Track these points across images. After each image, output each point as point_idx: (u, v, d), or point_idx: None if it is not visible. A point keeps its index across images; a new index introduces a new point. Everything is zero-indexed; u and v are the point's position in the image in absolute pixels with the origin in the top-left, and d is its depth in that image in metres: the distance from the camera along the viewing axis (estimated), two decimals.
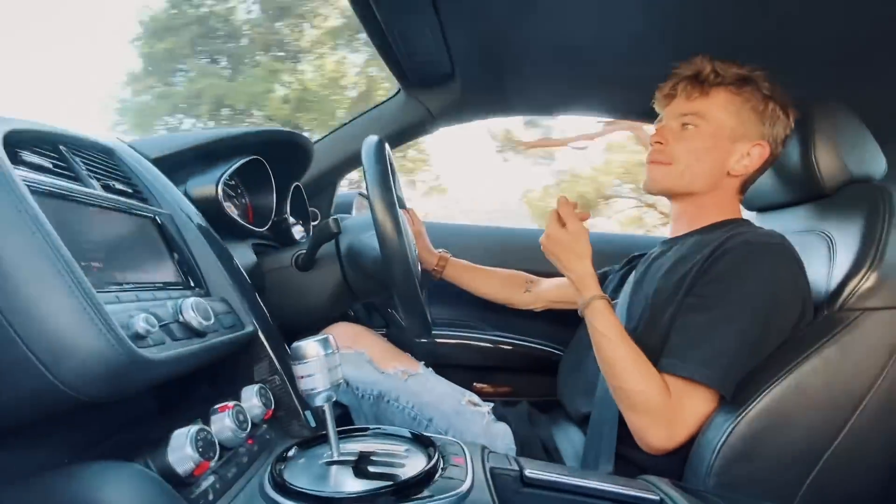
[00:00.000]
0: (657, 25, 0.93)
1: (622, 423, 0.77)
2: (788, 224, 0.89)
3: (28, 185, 0.37)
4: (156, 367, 0.39)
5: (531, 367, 1.35)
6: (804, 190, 0.86)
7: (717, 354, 0.67)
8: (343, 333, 0.95)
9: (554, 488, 0.51)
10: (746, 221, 0.85)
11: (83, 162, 0.53)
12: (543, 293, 1.13)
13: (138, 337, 0.39)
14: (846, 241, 0.76)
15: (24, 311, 0.33)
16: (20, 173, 0.38)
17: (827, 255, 0.79)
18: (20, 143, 0.44)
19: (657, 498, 0.51)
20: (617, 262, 1.07)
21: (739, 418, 0.65)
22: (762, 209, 1.02)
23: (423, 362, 0.96)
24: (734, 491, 0.64)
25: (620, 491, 0.52)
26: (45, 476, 0.34)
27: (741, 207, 0.89)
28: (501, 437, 0.89)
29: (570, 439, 0.90)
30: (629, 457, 0.75)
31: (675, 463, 0.71)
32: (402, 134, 1.26)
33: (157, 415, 0.45)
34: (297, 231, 1.10)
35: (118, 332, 0.36)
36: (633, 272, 0.93)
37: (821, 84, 1.00)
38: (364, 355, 0.89)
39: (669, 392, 0.69)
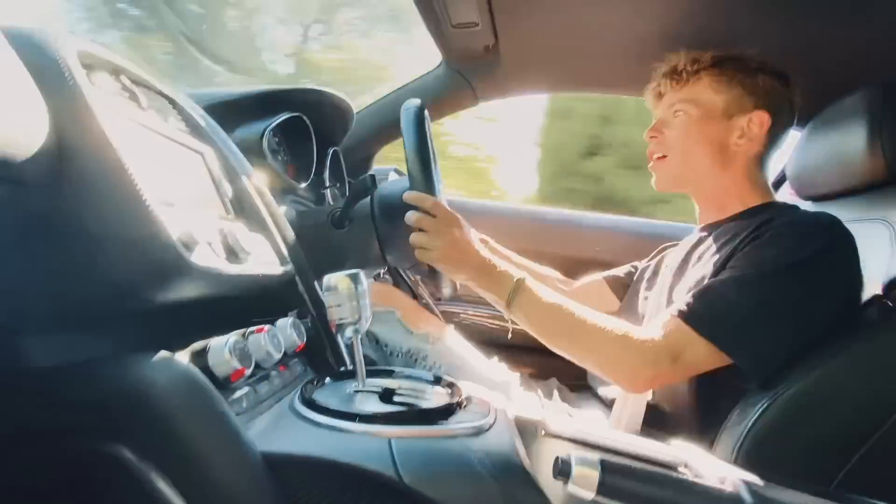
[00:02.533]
0: (718, 12, 0.90)
1: (651, 405, 0.76)
2: (848, 212, 0.84)
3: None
4: (199, 276, 0.41)
5: None
6: (867, 176, 0.80)
7: (727, 313, 0.64)
8: (375, 292, 0.97)
9: (575, 441, 0.50)
10: (790, 205, 0.82)
11: (142, 94, 0.56)
12: (571, 297, 1.10)
13: (186, 246, 0.41)
14: None
15: (93, 209, 0.36)
16: (90, 88, 0.41)
17: (889, 242, 0.74)
18: (89, 65, 0.47)
19: (682, 461, 0.50)
20: (642, 251, 1.04)
21: (776, 397, 0.62)
22: (819, 198, 0.96)
23: (451, 325, 0.97)
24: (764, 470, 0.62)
25: (645, 450, 0.51)
26: (104, 360, 0.37)
27: (770, 193, 0.85)
28: (529, 405, 0.89)
29: (600, 420, 0.89)
30: (653, 437, 0.73)
31: (702, 443, 0.69)
32: (443, 107, 1.27)
33: (197, 331, 0.48)
34: (332, 196, 1.13)
35: (169, 233, 0.38)
36: (667, 259, 0.91)
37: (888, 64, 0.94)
38: (395, 313, 0.91)
39: (653, 330, 0.67)
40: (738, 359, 0.64)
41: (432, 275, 0.79)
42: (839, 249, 0.67)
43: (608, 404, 0.90)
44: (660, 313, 0.71)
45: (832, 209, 0.92)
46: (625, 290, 1.01)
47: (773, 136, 0.80)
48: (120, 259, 0.37)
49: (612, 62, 1.12)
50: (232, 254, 0.49)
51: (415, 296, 1.22)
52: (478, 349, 1.03)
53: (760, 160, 0.81)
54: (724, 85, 0.79)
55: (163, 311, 0.42)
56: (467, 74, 1.22)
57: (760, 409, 0.63)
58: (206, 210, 0.55)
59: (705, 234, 0.83)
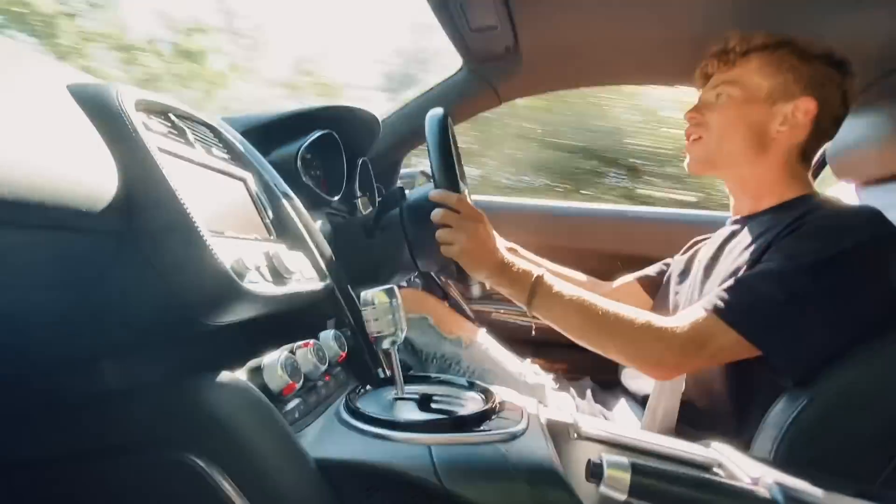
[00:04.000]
0: None
1: (686, 402, 0.75)
2: (893, 195, 0.80)
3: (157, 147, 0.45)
4: (251, 299, 0.45)
5: None
6: None
7: (758, 305, 0.63)
8: (407, 298, 1.00)
9: (607, 442, 0.52)
10: (829, 198, 0.78)
11: (188, 129, 0.61)
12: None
13: (238, 274, 0.45)
14: None
15: (159, 249, 0.40)
16: (149, 135, 0.46)
17: None
18: (144, 110, 0.51)
19: (716, 459, 0.51)
20: (676, 244, 1.02)
21: (816, 395, 0.62)
22: (863, 183, 0.92)
23: (483, 329, 1.00)
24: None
25: (677, 451, 0.52)
26: (174, 381, 0.42)
27: (808, 180, 0.81)
28: (563, 407, 0.90)
29: (635, 420, 0.89)
30: (687, 436, 0.73)
31: (741, 441, 0.69)
32: (465, 110, 1.28)
33: (249, 349, 0.53)
34: (363, 204, 1.17)
35: (224, 264, 0.43)
36: (699, 254, 0.90)
37: None
38: (428, 320, 0.94)
39: (675, 320, 0.67)
40: (766, 351, 0.63)
41: (461, 276, 0.81)
42: (881, 243, 0.64)
43: (641, 401, 0.90)
44: (691, 306, 0.71)
45: (878, 192, 0.88)
46: (658, 288, 1.00)
47: (819, 127, 0.75)
48: (182, 290, 0.41)
49: (633, 55, 1.11)
50: (277, 275, 0.53)
51: (446, 297, 1.25)
52: (510, 349, 1.05)
53: (802, 150, 0.77)
54: (773, 69, 0.75)
55: (218, 333, 0.47)
56: (488, 76, 1.23)
57: (800, 407, 0.62)
58: (250, 233, 0.59)
59: (738, 226, 0.81)
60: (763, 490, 0.44)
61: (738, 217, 0.84)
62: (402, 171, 1.50)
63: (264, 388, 0.44)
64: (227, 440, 0.39)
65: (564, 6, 0.97)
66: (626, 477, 0.43)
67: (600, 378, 1.09)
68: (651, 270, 1.04)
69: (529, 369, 0.99)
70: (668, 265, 1.02)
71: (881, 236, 0.64)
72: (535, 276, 0.72)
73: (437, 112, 0.80)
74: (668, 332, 0.66)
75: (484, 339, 0.97)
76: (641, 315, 0.69)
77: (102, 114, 0.42)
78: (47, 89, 0.39)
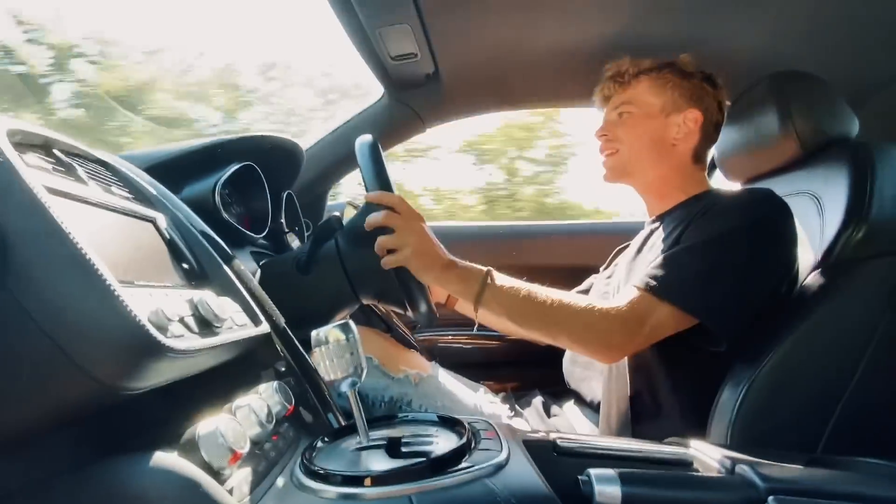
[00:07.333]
0: (636, 20, 0.97)
1: (635, 400, 0.77)
2: (776, 190, 0.92)
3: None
4: (177, 356, 0.38)
5: (538, 360, 1.34)
6: (786, 155, 0.89)
7: (682, 276, 0.69)
8: None
9: (588, 455, 0.50)
10: (727, 189, 0.90)
11: (79, 166, 0.51)
12: None
13: (158, 327, 0.37)
14: (834, 196, 0.78)
15: (49, 302, 0.32)
16: (26, 169, 0.37)
17: (817, 213, 0.81)
18: (18, 143, 0.42)
19: (690, 457, 0.51)
20: (604, 253, 1.08)
21: (755, 376, 0.66)
22: (748, 181, 1.05)
23: (434, 361, 0.95)
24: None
25: (653, 452, 0.52)
26: (87, 470, 0.32)
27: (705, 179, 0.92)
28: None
29: (589, 425, 0.90)
30: (645, 434, 0.75)
31: (694, 431, 0.71)
32: (391, 137, 1.27)
33: (177, 416, 0.44)
34: (291, 240, 1.09)
35: (140, 318, 0.35)
36: (622, 257, 0.95)
37: (790, 57, 1.05)
38: (372, 360, 0.88)
39: (618, 303, 0.70)
40: (699, 316, 0.68)
41: (409, 294, 0.76)
42: (778, 216, 0.74)
43: (593, 407, 0.91)
44: (624, 287, 0.74)
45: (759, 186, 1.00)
46: None
47: (706, 132, 0.90)
48: (86, 353, 0.33)
49: (551, 77, 1.18)
50: (205, 325, 0.45)
51: (389, 330, 1.19)
52: (459, 373, 1.01)
53: (696, 153, 0.90)
54: (660, 87, 0.88)
55: (135, 403, 0.38)
56: (412, 103, 1.23)
57: (743, 392, 0.66)
58: (167, 282, 0.51)
59: (655, 225, 0.89)
60: (741, 477, 0.44)
61: (653, 217, 0.93)
62: (329, 204, 1.44)
63: (204, 465, 0.36)
64: None
65: (483, 31, 1.00)
66: (617, 490, 0.42)
67: (549, 389, 1.10)
68: (583, 286, 1.09)
69: (484, 399, 0.96)
70: (597, 277, 1.07)
71: (776, 210, 0.74)
72: (484, 270, 0.73)
73: (366, 137, 0.78)
74: (611, 312, 0.69)
75: (434, 374, 0.92)
76: (584, 300, 0.71)
77: None
78: None
